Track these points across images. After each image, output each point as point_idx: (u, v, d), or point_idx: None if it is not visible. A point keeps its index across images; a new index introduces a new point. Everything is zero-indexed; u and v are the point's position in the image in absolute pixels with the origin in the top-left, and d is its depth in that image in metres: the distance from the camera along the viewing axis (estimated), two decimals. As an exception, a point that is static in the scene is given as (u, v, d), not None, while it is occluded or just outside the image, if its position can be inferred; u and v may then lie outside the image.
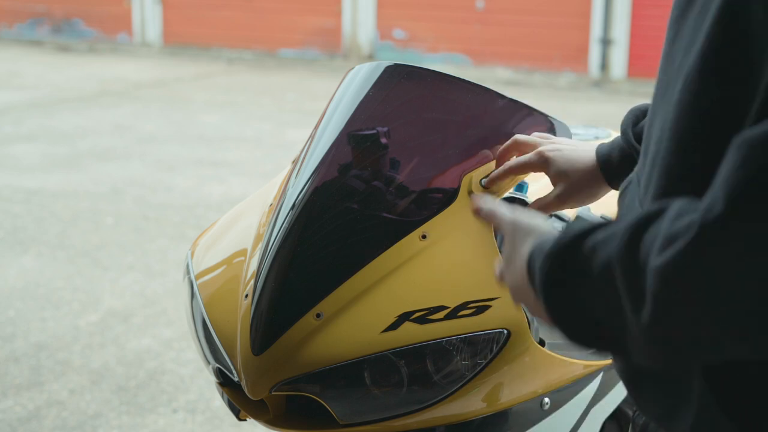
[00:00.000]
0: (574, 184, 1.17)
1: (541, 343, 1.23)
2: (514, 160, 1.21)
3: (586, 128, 2.09)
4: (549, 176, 1.19)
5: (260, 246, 1.23)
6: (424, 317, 1.12)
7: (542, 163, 1.18)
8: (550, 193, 1.19)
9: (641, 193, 0.76)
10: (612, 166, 1.16)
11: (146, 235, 4.38)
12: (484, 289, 1.14)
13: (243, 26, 11.74)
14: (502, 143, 1.25)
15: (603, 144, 1.19)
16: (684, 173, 0.67)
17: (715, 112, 0.64)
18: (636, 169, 0.82)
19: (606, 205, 1.38)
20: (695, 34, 0.68)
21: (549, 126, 1.30)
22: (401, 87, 1.31)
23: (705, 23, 0.66)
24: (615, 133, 2.09)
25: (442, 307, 1.12)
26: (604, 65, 10.15)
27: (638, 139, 1.13)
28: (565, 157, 1.17)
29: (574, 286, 0.68)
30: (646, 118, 0.79)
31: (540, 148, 1.19)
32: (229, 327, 1.19)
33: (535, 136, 1.22)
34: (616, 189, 1.19)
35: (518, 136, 1.22)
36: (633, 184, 0.82)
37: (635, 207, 0.78)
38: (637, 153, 1.13)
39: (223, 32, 11.82)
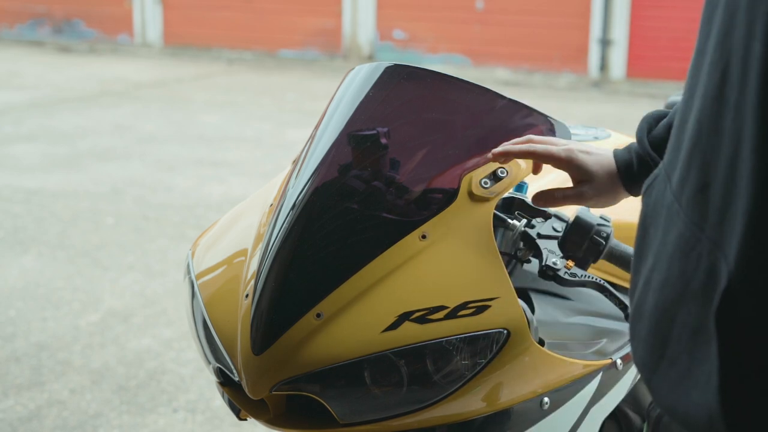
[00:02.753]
0: (597, 187, 1.19)
1: (541, 342, 1.23)
2: (542, 146, 1.21)
3: (586, 128, 2.09)
4: (572, 176, 1.21)
5: (260, 246, 1.23)
6: (424, 317, 1.12)
7: (568, 162, 1.20)
8: (576, 189, 1.21)
9: (675, 190, 0.75)
10: (633, 173, 1.18)
11: (146, 235, 4.38)
12: (484, 289, 1.15)
13: (243, 27, 11.74)
14: (501, 143, 1.25)
15: (619, 150, 1.21)
16: (723, 166, 0.67)
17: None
18: (663, 165, 0.82)
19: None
20: (727, 29, 0.68)
21: (549, 126, 1.31)
22: (401, 87, 1.32)
23: (738, 16, 0.66)
24: (615, 134, 2.10)
25: (442, 307, 1.13)
26: (604, 66, 10.15)
27: (653, 147, 1.15)
28: (594, 160, 1.19)
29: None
30: (678, 113, 0.79)
31: (571, 146, 1.20)
32: (229, 327, 1.20)
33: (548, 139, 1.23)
34: (634, 195, 1.21)
35: (533, 137, 1.22)
36: (660, 180, 0.81)
37: (665, 203, 0.78)
38: (653, 160, 1.14)
39: (224, 33, 11.83)
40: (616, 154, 1.20)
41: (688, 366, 0.69)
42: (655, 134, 1.16)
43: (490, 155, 1.21)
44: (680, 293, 0.71)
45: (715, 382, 0.65)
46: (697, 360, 0.68)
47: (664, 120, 1.17)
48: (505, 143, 1.22)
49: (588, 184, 1.20)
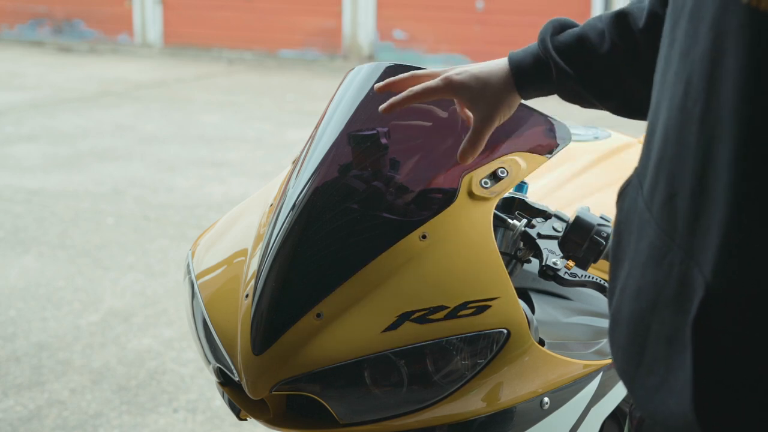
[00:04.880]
0: (489, 101, 1.14)
1: (541, 342, 1.23)
2: (419, 86, 1.15)
3: (586, 128, 2.09)
4: (461, 102, 1.16)
5: (261, 246, 1.23)
6: (424, 317, 1.12)
7: (450, 89, 1.14)
8: (474, 120, 1.15)
9: (646, 198, 0.76)
10: (524, 72, 1.13)
11: (147, 235, 4.38)
12: (484, 289, 1.15)
13: (243, 27, 11.74)
14: (501, 143, 1.25)
15: (516, 50, 1.16)
16: (689, 177, 0.67)
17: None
18: (636, 170, 0.82)
19: (606, 205, 1.38)
20: (690, 40, 0.68)
21: (549, 126, 1.31)
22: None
23: (701, 29, 0.66)
24: (615, 134, 2.10)
25: (442, 307, 1.13)
26: (605, 65, 10.14)
27: (558, 50, 1.11)
28: (474, 76, 1.14)
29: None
30: (648, 122, 0.79)
31: (447, 74, 1.15)
32: (229, 327, 1.20)
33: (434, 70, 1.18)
34: (525, 98, 1.17)
35: (416, 72, 1.18)
36: (633, 186, 0.82)
37: (638, 210, 0.78)
38: (554, 62, 1.11)
39: (224, 33, 11.82)
40: (511, 53, 1.15)
41: (664, 374, 0.70)
42: (562, 39, 1.12)
43: (379, 111, 1.16)
44: (653, 302, 0.72)
45: (689, 390, 0.66)
46: (673, 368, 0.68)
47: (574, 29, 1.13)
48: (391, 99, 1.16)
49: (478, 105, 1.14)
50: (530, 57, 1.13)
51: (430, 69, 1.19)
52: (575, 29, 1.13)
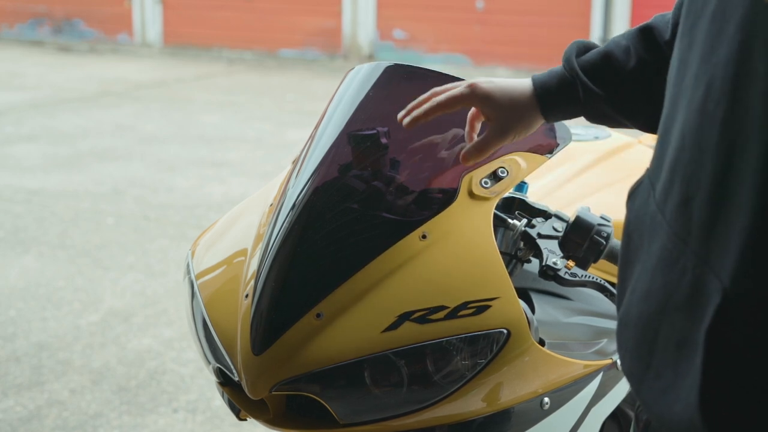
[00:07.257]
0: (510, 117, 1.13)
1: (541, 342, 1.23)
2: (444, 95, 1.14)
3: (586, 128, 2.09)
4: (483, 111, 1.15)
5: (260, 246, 1.23)
6: (424, 317, 1.12)
7: (474, 97, 1.13)
8: (489, 130, 1.15)
9: (658, 200, 0.75)
10: (550, 93, 1.12)
11: (147, 235, 4.38)
12: (484, 289, 1.15)
13: (243, 26, 11.74)
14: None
15: (540, 73, 1.16)
16: (707, 182, 0.66)
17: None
18: (647, 172, 0.81)
19: (606, 205, 1.38)
20: (713, 42, 0.67)
21: (549, 126, 1.31)
22: (401, 87, 1.32)
23: (726, 31, 0.65)
24: (615, 133, 2.10)
25: (442, 307, 1.13)
26: (605, 65, 10.13)
27: (584, 70, 1.10)
28: (500, 88, 1.13)
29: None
30: (661, 123, 0.78)
31: (472, 81, 1.14)
32: (229, 327, 1.19)
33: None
34: (550, 121, 1.16)
35: (437, 88, 1.16)
36: (644, 186, 0.81)
37: (649, 212, 0.77)
38: (581, 83, 1.10)
39: (224, 33, 11.82)
40: (535, 76, 1.15)
41: (672, 378, 0.69)
42: (587, 58, 1.11)
43: (403, 125, 1.15)
44: (663, 305, 0.71)
45: (696, 393, 0.65)
46: (681, 372, 0.68)
47: (598, 48, 1.12)
48: (414, 110, 1.15)
49: (500, 116, 1.13)
50: (555, 79, 1.12)
51: (447, 81, 1.17)
52: (599, 48, 1.12)
